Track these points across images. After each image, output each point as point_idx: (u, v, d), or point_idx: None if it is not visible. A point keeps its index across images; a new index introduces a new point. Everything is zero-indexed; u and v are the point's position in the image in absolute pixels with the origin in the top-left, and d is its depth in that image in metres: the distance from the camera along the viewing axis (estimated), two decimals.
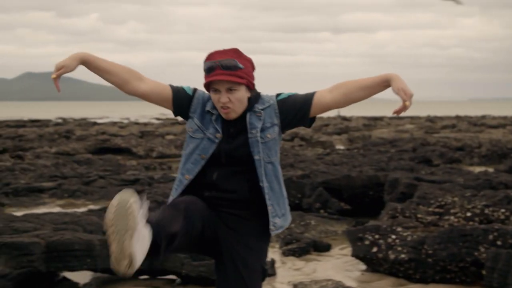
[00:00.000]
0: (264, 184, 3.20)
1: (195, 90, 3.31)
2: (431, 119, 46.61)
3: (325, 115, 64.84)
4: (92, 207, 10.96)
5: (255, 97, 3.24)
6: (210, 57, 3.17)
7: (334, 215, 9.30)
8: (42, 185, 12.55)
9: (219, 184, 3.21)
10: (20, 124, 39.73)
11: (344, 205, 9.52)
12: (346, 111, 76.82)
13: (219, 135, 3.20)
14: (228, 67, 3.11)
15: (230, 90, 3.13)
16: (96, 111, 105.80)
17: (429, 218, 7.60)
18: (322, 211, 9.47)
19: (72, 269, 6.17)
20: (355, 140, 25.16)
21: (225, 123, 3.23)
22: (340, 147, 23.40)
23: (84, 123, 40.35)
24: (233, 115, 3.18)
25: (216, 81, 3.13)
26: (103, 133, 27.58)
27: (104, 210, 9.56)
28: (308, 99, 3.25)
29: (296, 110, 3.24)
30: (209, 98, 3.26)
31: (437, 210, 7.67)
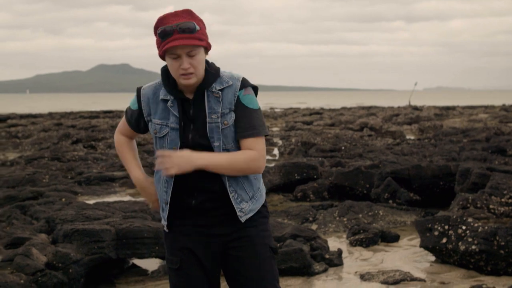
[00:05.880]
0: None
1: (138, 94, 3.11)
2: (506, 108, 45.29)
3: (395, 104, 63.74)
4: None
5: (213, 74, 3.01)
6: (163, 21, 2.91)
7: (403, 205, 9.16)
8: (114, 174, 12.83)
9: (197, 182, 3.01)
10: (93, 115, 40.68)
11: (413, 195, 9.37)
12: (417, 101, 75.30)
13: (179, 121, 3.00)
14: (186, 30, 2.87)
15: (190, 54, 2.91)
16: None
17: (502, 209, 7.39)
18: (390, 201, 9.34)
19: (141, 256, 6.28)
20: (426, 130, 24.69)
21: (183, 105, 3.01)
22: (410, 137, 23.02)
23: None
24: (194, 80, 2.95)
25: (176, 47, 2.88)
26: None
27: None
28: (242, 131, 2.99)
29: (236, 121, 3.00)
30: (157, 87, 3.07)
31: (510, 201, 7.46)
